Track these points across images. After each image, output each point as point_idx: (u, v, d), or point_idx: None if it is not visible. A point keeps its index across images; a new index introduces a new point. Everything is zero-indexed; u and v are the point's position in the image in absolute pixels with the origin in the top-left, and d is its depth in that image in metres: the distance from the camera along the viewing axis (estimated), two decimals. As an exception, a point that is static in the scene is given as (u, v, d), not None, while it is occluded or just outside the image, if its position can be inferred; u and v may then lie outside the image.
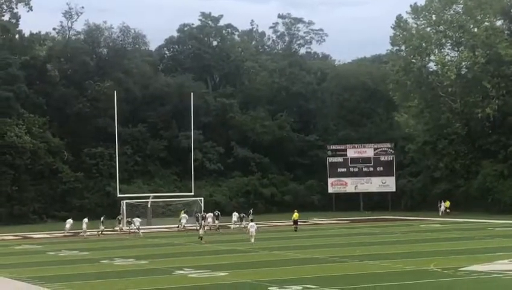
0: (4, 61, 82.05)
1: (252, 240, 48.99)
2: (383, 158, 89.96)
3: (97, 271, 36.33)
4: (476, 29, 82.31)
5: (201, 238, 51.23)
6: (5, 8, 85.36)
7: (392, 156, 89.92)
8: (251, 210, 67.89)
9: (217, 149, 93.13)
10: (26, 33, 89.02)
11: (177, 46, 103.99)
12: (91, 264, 39.44)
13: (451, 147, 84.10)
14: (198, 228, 55.78)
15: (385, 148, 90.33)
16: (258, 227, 52.01)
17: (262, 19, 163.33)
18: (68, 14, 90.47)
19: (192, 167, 74.85)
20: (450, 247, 44.26)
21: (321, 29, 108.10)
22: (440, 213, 76.78)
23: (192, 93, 76.79)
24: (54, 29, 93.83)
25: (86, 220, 61.17)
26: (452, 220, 69.06)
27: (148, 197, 73.21)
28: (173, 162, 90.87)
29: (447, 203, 78.19)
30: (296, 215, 61.90)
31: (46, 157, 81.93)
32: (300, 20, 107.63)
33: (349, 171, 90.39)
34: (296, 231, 59.93)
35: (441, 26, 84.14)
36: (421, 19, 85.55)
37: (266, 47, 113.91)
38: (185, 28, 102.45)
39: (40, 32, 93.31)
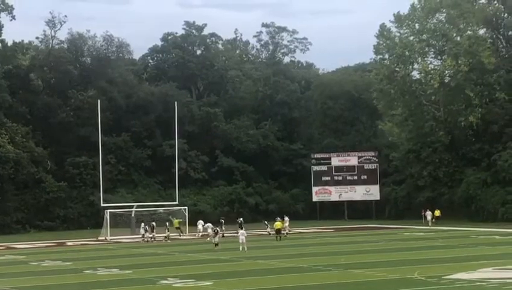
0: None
1: (241, 248, 49.22)
2: (367, 166, 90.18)
3: (80, 281, 36.11)
4: (459, 38, 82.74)
5: (216, 245, 51.84)
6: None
7: (376, 165, 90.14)
8: (241, 219, 67.51)
9: (201, 158, 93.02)
10: (9, 42, 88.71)
11: (161, 55, 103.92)
12: (74, 274, 39.20)
13: (435, 155, 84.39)
14: (212, 235, 55.65)
15: (369, 157, 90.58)
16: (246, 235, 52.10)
17: (246, 28, 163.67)
18: (51, 23, 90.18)
19: (176, 176, 74.67)
20: (433, 255, 44.31)
21: (305, 38, 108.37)
22: (429, 223, 73.54)
23: (176, 102, 76.70)
24: (37, 38, 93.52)
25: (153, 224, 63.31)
26: (436, 228, 69.17)
27: (132, 207, 72.95)
28: (157, 171, 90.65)
29: (437, 212, 76.58)
30: (278, 224, 61.44)
31: (29, 167, 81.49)
32: (284, 29, 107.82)
33: (334, 179, 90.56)
34: (278, 240, 59.52)
35: (424, 35, 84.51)
36: (404, 28, 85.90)
37: (250, 56, 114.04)
38: (169, 37, 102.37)
39: (23, 41, 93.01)
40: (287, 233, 63.71)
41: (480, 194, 79.06)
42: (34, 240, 66.98)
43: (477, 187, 79.66)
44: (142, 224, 64.38)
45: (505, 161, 77.40)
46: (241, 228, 56.43)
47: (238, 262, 43.45)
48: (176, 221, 68.41)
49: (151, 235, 62.91)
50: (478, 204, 79.06)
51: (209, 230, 61.00)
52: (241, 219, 68.62)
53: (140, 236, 63.82)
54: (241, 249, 49.18)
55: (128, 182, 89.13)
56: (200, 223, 66.86)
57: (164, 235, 63.81)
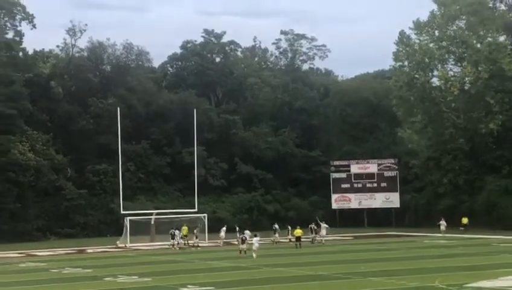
0: (8, 79, 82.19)
1: (254, 255, 49.29)
2: (386, 174, 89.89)
3: (100, 289, 36.19)
4: (479, 45, 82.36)
5: (243, 252, 52.41)
6: (9, 25, 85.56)
7: (395, 172, 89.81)
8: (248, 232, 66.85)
9: (220, 165, 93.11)
10: (30, 51, 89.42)
11: (180, 63, 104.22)
12: (94, 281, 39.29)
13: (455, 162, 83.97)
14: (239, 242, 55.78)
15: (389, 164, 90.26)
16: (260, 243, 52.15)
17: (265, 35, 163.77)
18: (72, 32, 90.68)
19: (196, 183, 74.71)
20: (454, 263, 44.08)
21: (324, 45, 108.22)
22: (442, 232, 71.40)
23: (195, 110, 76.79)
24: (58, 46, 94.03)
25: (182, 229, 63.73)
26: (456, 236, 68.74)
27: (151, 214, 73.10)
28: (176, 179, 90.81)
29: (465, 220, 74.85)
30: (298, 231, 61.46)
31: (50, 174, 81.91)
32: (303, 36, 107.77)
33: (353, 187, 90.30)
34: (297, 247, 59.43)
35: (443, 42, 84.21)
36: (424, 35, 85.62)
37: (269, 63, 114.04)
38: (188, 45, 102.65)
39: (43, 49, 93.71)
40: (322, 241, 64.00)
41: (501, 202, 78.53)
42: (54, 247, 67.22)
43: (498, 195, 79.15)
44: (177, 231, 64.23)
45: (526, 168, 76.93)
46: (255, 235, 56.29)
47: (258, 270, 43.38)
48: (184, 229, 67.98)
49: (177, 242, 62.92)
50: (499, 212, 78.51)
51: (247, 237, 60.10)
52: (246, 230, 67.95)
53: (176, 243, 63.20)
54: (254, 256, 49.28)
55: (148, 190, 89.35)
56: (223, 230, 66.80)
57: (191, 242, 64.02)
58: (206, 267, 46.18)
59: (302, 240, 61.30)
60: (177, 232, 63.91)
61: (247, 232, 63.02)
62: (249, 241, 53.99)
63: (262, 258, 49.06)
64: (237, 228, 66.83)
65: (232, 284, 36.17)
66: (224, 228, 67.02)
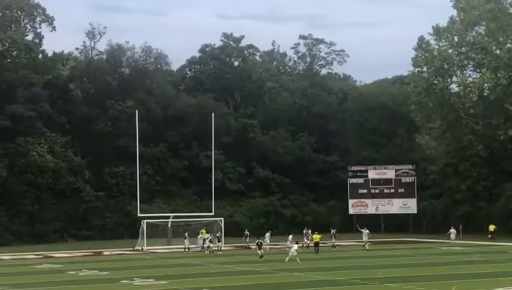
0: (27, 81, 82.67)
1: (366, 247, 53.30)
2: (404, 180, 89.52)
3: (117, 291, 36.32)
4: (498, 51, 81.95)
5: (261, 257, 52.59)
6: (29, 28, 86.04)
7: (413, 178, 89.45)
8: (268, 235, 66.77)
9: (238, 169, 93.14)
10: (49, 53, 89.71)
11: (198, 67, 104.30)
12: (111, 284, 39.45)
13: (473, 169, 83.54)
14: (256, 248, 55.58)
15: (406, 170, 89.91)
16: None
17: (284, 40, 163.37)
18: (91, 34, 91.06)
19: (213, 187, 74.81)
20: (471, 270, 43.89)
21: (342, 50, 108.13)
22: (452, 242, 67.72)
23: (213, 114, 76.91)
24: (77, 49, 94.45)
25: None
26: (474, 243, 68.35)
27: (168, 217, 73.23)
28: (193, 182, 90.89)
29: (492, 227, 73.86)
30: (316, 236, 61.49)
31: (68, 177, 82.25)
32: (321, 41, 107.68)
33: (370, 192, 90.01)
34: (316, 252, 59.50)
35: (463, 48, 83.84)
36: (443, 41, 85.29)
37: (287, 67, 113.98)
38: (207, 49, 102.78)
39: (63, 51, 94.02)
40: (366, 247, 63.79)
41: (519, 209, 77.98)
42: (71, 249, 67.52)
43: (516, 202, 78.62)
44: (209, 235, 64.05)
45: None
46: (297, 242, 56.27)
47: (274, 274, 43.38)
48: (203, 232, 68.06)
49: (208, 246, 62.65)
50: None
51: (288, 243, 59.23)
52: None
53: (207, 247, 63.03)
54: (298, 260, 49.66)
55: (165, 193, 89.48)
56: (267, 235, 65.68)
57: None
58: (223, 271, 46.20)
59: (320, 245, 61.23)
60: (208, 235, 63.69)
61: (267, 235, 63.03)
62: (266, 245, 54.04)
63: (279, 263, 49.00)
64: (246, 233, 66.72)
65: (248, 288, 36.18)
66: (268, 234, 65.91)
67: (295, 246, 51.76)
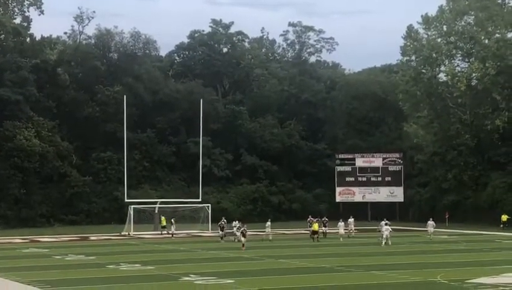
0: (15, 64, 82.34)
1: (389, 242, 53.88)
2: (391, 168, 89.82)
3: (103, 276, 36.28)
4: (486, 41, 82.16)
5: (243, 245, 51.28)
6: (17, 11, 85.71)
7: (400, 166, 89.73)
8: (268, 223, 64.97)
9: (225, 156, 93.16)
10: (37, 37, 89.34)
11: (187, 52, 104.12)
12: (97, 269, 39.40)
13: (460, 158, 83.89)
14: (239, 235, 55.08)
15: (394, 158, 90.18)
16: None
17: (273, 27, 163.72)
18: (79, 19, 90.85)
19: (200, 173, 74.83)
20: (457, 259, 44.10)
21: (331, 38, 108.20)
22: (430, 236, 61.84)
23: (201, 100, 76.81)
24: (65, 33, 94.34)
25: None
26: (460, 232, 68.69)
27: (155, 203, 73.23)
28: (181, 168, 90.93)
29: (504, 217, 72.22)
30: (316, 225, 60.38)
31: (55, 161, 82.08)
32: (311, 29, 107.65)
33: (357, 180, 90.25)
34: (315, 241, 58.21)
35: (451, 37, 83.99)
36: (432, 30, 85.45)
37: (276, 55, 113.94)
38: (196, 35, 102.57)
39: (51, 36, 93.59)
40: (349, 234, 64.10)
41: (505, 199, 78.35)
42: (58, 234, 67.43)
43: (502, 191, 79.01)
44: (235, 223, 61.21)
45: (531, 166, 76.78)
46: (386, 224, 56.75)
47: (260, 261, 43.48)
48: (163, 219, 68.11)
49: (224, 234, 59.59)
50: (503, 208, 78.30)
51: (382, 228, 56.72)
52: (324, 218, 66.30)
53: (223, 234, 59.45)
54: (383, 243, 52.62)
55: (153, 179, 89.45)
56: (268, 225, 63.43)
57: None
58: (210, 257, 46.26)
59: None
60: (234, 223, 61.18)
61: (268, 224, 61.96)
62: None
63: (268, 250, 49.12)
64: (237, 222, 65.11)
65: (235, 274, 36.25)
66: (269, 223, 63.07)
67: (389, 229, 54.78)
